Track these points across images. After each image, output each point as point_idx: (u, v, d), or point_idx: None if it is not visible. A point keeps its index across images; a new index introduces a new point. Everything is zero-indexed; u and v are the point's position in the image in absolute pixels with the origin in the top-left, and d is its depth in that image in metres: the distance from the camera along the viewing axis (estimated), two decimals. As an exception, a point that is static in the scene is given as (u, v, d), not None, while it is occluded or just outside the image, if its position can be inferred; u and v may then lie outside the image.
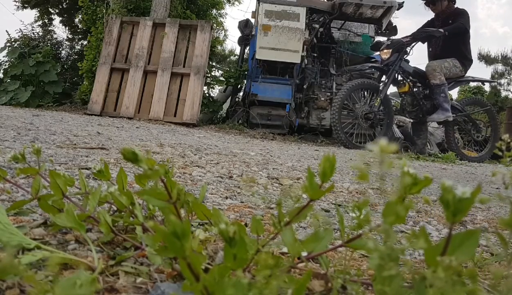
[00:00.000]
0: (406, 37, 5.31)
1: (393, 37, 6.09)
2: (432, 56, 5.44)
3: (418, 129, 5.72)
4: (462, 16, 5.23)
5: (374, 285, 0.43)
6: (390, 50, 5.27)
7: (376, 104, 5.13)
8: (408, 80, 5.38)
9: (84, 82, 7.26)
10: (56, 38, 9.31)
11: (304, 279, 0.45)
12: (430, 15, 5.55)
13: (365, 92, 5.36)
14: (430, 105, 5.35)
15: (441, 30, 5.08)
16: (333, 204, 1.40)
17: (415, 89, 5.42)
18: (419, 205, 1.51)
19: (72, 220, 0.65)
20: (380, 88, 5.19)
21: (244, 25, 7.56)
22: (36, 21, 9.91)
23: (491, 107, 5.88)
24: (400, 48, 5.24)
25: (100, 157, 1.76)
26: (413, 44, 5.30)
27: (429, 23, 5.47)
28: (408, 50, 5.35)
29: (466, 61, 5.36)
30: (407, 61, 5.44)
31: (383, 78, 5.41)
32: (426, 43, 5.56)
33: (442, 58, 5.28)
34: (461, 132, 5.81)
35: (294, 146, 4.40)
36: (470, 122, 5.69)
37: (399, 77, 5.40)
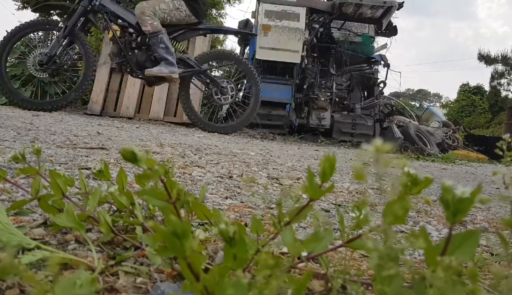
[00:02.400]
0: None
1: None
2: None
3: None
4: None
5: (374, 285, 0.43)
6: None
7: (59, 44, 4.09)
8: (114, 24, 4.17)
9: (84, 82, 7.26)
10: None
11: (304, 279, 0.45)
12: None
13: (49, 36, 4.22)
14: (144, 58, 4.17)
15: None
16: (333, 204, 1.40)
17: (125, 37, 4.19)
18: (419, 205, 1.51)
19: (72, 220, 0.65)
20: (60, 25, 4.14)
21: (244, 25, 7.56)
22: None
23: (243, 60, 4.63)
24: None
25: (100, 157, 1.76)
26: None
27: None
28: None
29: (197, 5, 4.15)
30: (117, 2, 4.23)
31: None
32: None
33: None
34: (204, 97, 4.71)
35: (294, 146, 4.40)
36: (210, 82, 4.42)
37: (106, 21, 4.20)
